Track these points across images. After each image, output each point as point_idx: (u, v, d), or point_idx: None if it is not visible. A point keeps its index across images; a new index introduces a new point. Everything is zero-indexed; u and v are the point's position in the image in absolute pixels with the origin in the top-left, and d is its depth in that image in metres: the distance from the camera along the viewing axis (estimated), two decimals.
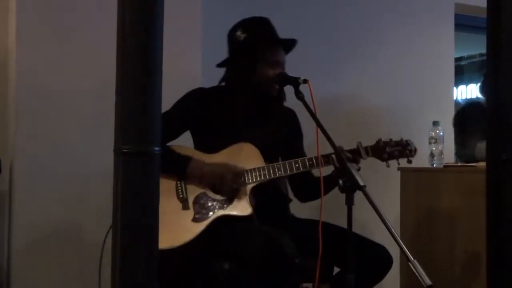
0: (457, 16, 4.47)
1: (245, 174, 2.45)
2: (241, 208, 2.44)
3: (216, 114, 2.58)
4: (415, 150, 2.54)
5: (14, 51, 2.96)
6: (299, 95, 2.34)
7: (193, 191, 2.45)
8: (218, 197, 2.45)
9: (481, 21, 4.36)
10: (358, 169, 2.27)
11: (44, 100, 2.97)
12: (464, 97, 8.26)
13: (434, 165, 3.12)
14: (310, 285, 2.42)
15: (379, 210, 1.91)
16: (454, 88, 5.10)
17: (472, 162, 3.18)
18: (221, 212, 2.43)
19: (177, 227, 2.37)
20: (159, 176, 1.65)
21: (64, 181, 2.98)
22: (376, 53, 4.05)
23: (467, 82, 8.16)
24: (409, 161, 2.54)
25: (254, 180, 2.45)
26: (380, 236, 2.26)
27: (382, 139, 2.53)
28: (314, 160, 2.45)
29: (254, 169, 2.46)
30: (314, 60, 3.67)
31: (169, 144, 2.50)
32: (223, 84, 2.65)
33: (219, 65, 2.63)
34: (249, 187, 2.46)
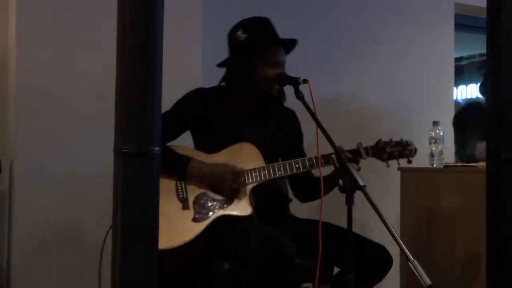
0: (457, 16, 4.47)
1: (245, 174, 2.45)
2: (241, 208, 2.44)
3: (216, 114, 2.58)
4: (415, 150, 2.54)
5: (14, 51, 2.96)
6: (299, 95, 2.34)
7: (193, 191, 2.45)
8: (218, 197, 2.45)
9: (481, 21, 4.36)
10: (358, 169, 2.27)
11: (44, 100, 2.97)
12: (464, 97, 8.26)
13: (434, 165, 3.11)
14: (310, 285, 2.42)
15: (379, 210, 1.91)
16: (454, 88, 5.10)
17: (472, 162, 3.18)
18: (221, 212, 2.43)
19: (177, 227, 2.37)
20: (159, 176, 1.65)
21: (64, 181, 2.98)
22: (376, 53, 4.06)
23: (467, 82, 8.16)
24: (409, 161, 2.54)
25: (254, 180, 2.45)
26: (380, 236, 2.26)
27: (382, 139, 2.53)
28: (314, 160, 2.45)
29: (254, 169, 2.46)
30: (314, 60, 3.67)
31: (169, 144, 2.50)
32: (223, 84, 2.65)
33: (219, 65, 2.63)
34: (249, 187, 2.46)
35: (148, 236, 1.62)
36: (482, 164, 2.66)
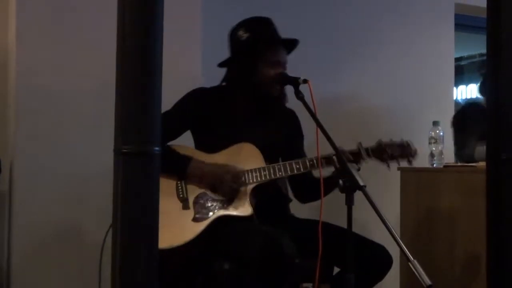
0: (457, 16, 4.47)
1: (246, 174, 2.45)
2: (241, 208, 2.44)
3: (216, 114, 2.58)
4: (416, 151, 2.54)
5: (14, 51, 2.96)
6: (299, 95, 2.34)
7: (193, 191, 2.45)
8: (219, 197, 2.45)
9: (481, 21, 4.36)
10: (358, 169, 2.28)
11: (44, 100, 2.97)
12: (464, 97, 8.26)
13: (434, 165, 3.11)
14: (310, 285, 2.42)
15: (379, 210, 1.91)
16: (454, 88, 5.10)
17: (472, 163, 3.18)
18: (221, 212, 2.43)
19: (177, 226, 2.37)
20: (159, 176, 1.65)
21: (64, 181, 2.98)
22: (376, 53, 4.06)
23: (467, 82, 8.16)
24: (410, 163, 2.54)
25: (254, 180, 2.45)
26: (380, 236, 2.26)
27: (383, 140, 2.52)
28: (314, 161, 2.45)
29: (255, 169, 2.46)
30: (314, 60, 3.67)
31: (169, 143, 2.50)
32: (224, 84, 2.64)
33: (221, 65, 2.62)
34: (249, 187, 2.46)
35: (148, 236, 1.62)
36: (482, 164, 2.66)
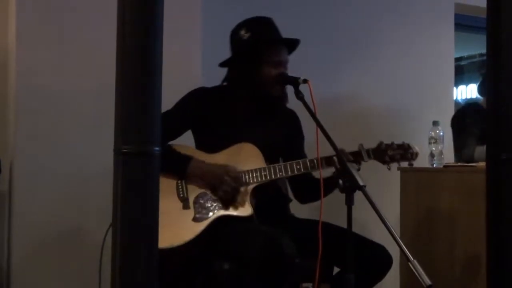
0: (457, 16, 4.48)
1: (246, 175, 2.45)
2: (241, 208, 2.44)
3: (217, 114, 2.57)
4: (417, 153, 2.54)
5: (14, 51, 2.96)
6: (299, 95, 2.34)
7: (193, 191, 2.45)
8: (219, 197, 2.45)
9: (481, 21, 4.37)
10: (358, 170, 2.28)
11: (44, 100, 2.97)
12: (464, 97, 8.27)
13: (434, 165, 3.12)
14: (310, 285, 2.42)
15: (379, 210, 1.92)
16: (454, 88, 5.10)
17: (471, 163, 3.18)
18: (222, 212, 2.43)
19: (177, 226, 2.37)
20: (159, 176, 1.65)
21: (64, 181, 2.98)
22: (376, 53, 4.05)
23: (467, 82, 8.17)
24: (411, 164, 2.54)
25: (255, 180, 2.45)
26: (380, 236, 2.26)
27: (384, 142, 2.52)
28: (315, 162, 2.45)
29: (255, 169, 2.46)
30: (314, 60, 3.67)
31: (170, 143, 2.50)
32: (225, 84, 2.64)
33: (222, 65, 2.62)
34: (250, 187, 2.46)
35: (148, 236, 1.62)
36: (482, 164, 2.66)
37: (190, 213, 2.41)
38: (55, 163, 2.97)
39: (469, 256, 2.95)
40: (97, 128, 2.91)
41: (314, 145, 2.31)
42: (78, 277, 2.95)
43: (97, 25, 3.00)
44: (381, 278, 2.44)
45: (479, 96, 3.88)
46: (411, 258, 1.81)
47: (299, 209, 2.73)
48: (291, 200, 2.73)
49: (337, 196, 2.15)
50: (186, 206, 2.42)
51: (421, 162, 2.93)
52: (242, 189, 2.45)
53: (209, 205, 2.43)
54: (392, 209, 3.12)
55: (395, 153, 2.51)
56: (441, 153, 3.11)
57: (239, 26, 2.61)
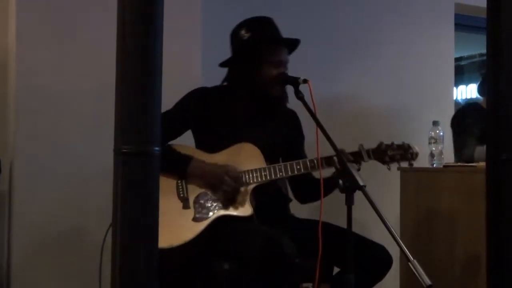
0: (457, 16, 4.48)
1: (246, 175, 2.45)
2: (241, 208, 2.44)
3: (217, 114, 2.57)
4: (417, 154, 2.53)
5: (14, 51, 2.96)
6: (299, 95, 2.35)
7: (193, 191, 2.45)
8: (219, 197, 2.45)
9: (481, 21, 4.36)
10: (358, 169, 2.28)
11: (44, 100, 2.97)
12: (464, 97, 8.27)
13: (434, 165, 3.11)
14: (310, 285, 2.42)
15: (379, 210, 1.92)
16: (454, 88, 5.10)
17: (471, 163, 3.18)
18: (222, 212, 2.43)
19: (177, 226, 2.37)
20: (159, 175, 1.65)
21: (64, 181, 2.98)
22: (376, 53, 4.05)
23: (467, 82, 8.17)
24: (411, 165, 2.54)
25: (255, 180, 2.45)
26: (380, 236, 2.26)
27: (384, 142, 2.52)
28: (315, 162, 2.45)
29: (255, 169, 2.46)
30: (314, 60, 3.67)
31: (170, 143, 2.50)
32: (225, 84, 2.64)
33: (222, 65, 2.62)
34: (250, 187, 2.46)
35: (148, 236, 1.62)
36: (482, 164, 2.66)
37: (190, 213, 2.41)
38: (55, 163, 2.97)
39: (469, 256, 2.95)
40: (97, 128, 2.91)
41: (314, 145, 2.31)
42: (78, 277, 2.95)
43: (97, 25, 3.00)
44: (381, 278, 2.44)
45: (479, 96, 3.88)
46: (411, 258, 1.81)
47: (299, 209, 2.73)
48: (291, 200, 2.73)
49: (337, 196, 2.15)
50: (186, 206, 2.42)
51: (421, 162, 2.93)
52: (242, 189, 2.45)
53: (209, 205, 2.43)
54: (392, 209, 3.12)
55: (395, 153, 2.51)
56: (441, 153, 3.11)
57: (240, 26, 2.61)
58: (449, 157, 3.44)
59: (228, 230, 2.39)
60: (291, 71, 2.56)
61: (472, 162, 3.22)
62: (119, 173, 1.61)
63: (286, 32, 2.62)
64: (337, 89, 3.91)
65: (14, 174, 2.94)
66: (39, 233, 2.94)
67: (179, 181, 2.46)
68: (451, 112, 4.00)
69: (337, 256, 2.31)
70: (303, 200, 2.73)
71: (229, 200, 2.44)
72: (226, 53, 2.62)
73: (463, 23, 4.69)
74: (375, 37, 4.06)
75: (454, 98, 4.99)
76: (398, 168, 2.97)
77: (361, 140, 2.55)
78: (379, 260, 2.43)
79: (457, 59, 5.97)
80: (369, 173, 2.35)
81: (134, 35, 1.61)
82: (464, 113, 3.62)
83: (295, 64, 2.62)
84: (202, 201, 2.44)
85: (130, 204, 1.60)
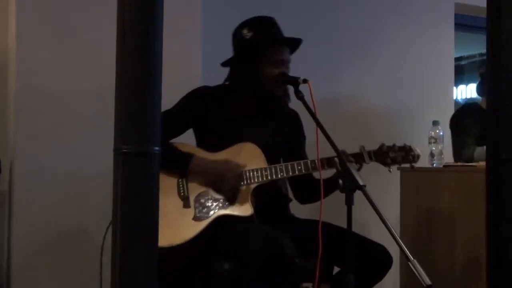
0: (457, 16, 4.48)
1: (247, 174, 2.45)
2: (242, 208, 2.44)
3: (218, 113, 2.57)
4: (418, 156, 2.53)
5: (14, 51, 2.96)
6: (299, 95, 2.34)
7: (194, 189, 2.45)
8: (220, 196, 2.45)
9: (481, 21, 4.36)
10: (358, 169, 2.28)
11: (44, 100, 2.97)
12: (464, 97, 8.27)
13: (434, 165, 3.11)
14: (310, 285, 2.42)
15: (379, 210, 1.91)
16: (454, 88, 5.10)
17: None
18: (222, 212, 2.43)
19: (178, 225, 2.37)
20: (159, 175, 1.65)
21: (64, 181, 2.98)
22: (376, 53, 4.05)
23: (467, 82, 8.17)
24: (412, 167, 2.54)
25: (256, 180, 2.45)
26: (380, 236, 2.26)
27: (385, 144, 2.51)
28: (316, 163, 2.44)
29: (257, 169, 2.46)
30: (314, 60, 3.67)
31: (171, 141, 2.50)
32: (227, 83, 2.64)
33: (224, 64, 2.62)
34: (251, 187, 2.45)
35: (148, 236, 1.62)
36: (482, 164, 2.66)
37: (191, 212, 2.41)
38: (55, 163, 2.97)
39: (469, 256, 2.95)
40: (97, 128, 2.91)
41: (314, 145, 2.31)
42: (78, 277, 2.95)
43: (97, 25, 3.00)
44: (381, 278, 2.44)
45: (478, 96, 3.88)
46: (411, 258, 1.81)
47: (299, 209, 2.73)
48: (291, 200, 2.73)
49: (337, 196, 2.14)
50: (186, 205, 2.42)
51: (421, 162, 2.93)
52: (243, 188, 2.45)
53: (209, 204, 2.43)
54: (392, 209, 3.12)
55: (396, 155, 2.50)
56: (441, 153, 3.11)
57: (242, 26, 2.61)
58: (449, 157, 3.44)
59: (228, 230, 2.39)
60: (292, 71, 2.56)
61: (471, 162, 3.22)
62: (119, 173, 1.61)
63: (286, 32, 2.62)
64: (337, 89, 3.91)
65: (14, 174, 2.94)
66: (39, 233, 2.94)
67: (180, 180, 2.46)
68: (451, 112, 4.00)
69: (337, 256, 2.31)
70: (303, 200, 2.73)
71: (230, 200, 2.44)
72: (226, 53, 2.62)
73: (463, 23, 4.69)
74: (375, 37, 4.06)
75: (454, 98, 4.99)
76: (398, 168, 2.97)
77: (361, 140, 2.55)
78: (379, 260, 2.42)
79: (457, 59, 5.97)
80: (369, 173, 2.35)
81: (134, 35, 1.61)
82: (463, 113, 3.61)
83: (295, 64, 2.62)
84: (202, 200, 2.43)
85: (130, 204, 1.60)
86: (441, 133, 3.11)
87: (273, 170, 2.46)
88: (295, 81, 2.40)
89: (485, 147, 2.05)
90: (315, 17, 3.83)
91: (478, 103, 3.67)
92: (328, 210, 2.24)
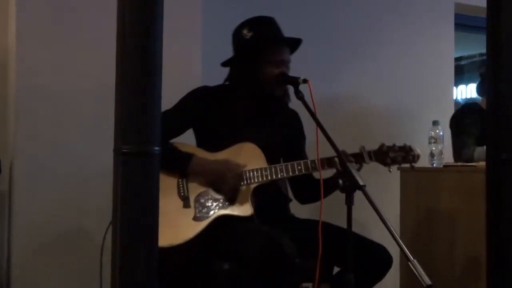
0: (457, 16, 4.48)
1: (247, 174, 2.45)
2: (242, 208, 2.44)
3: (218, 113, 2.57)
4: (418, 156, 2.53)
5: (14, 51, 2.96)
6: (298, 95, 2.34)
7: (194, 189, 2.45)
8: (220, 196, 2.45)
9: (481, 21, 4.36)
10: (358, 169, 2.28)
11: (44, 100, 2.97)
12: (464, 97, 8.27)
13: (434, 165, 3.11)
14: (310, 285, 2.42)
15: (379, 210, 1.91)
16: (454, 88, 5.10)
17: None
18: (222, 212, 2.43)
19: (178, 225, 2.37)
20: (159, 175, 1.65)
21: (64, 181, 2.98)
22: (376, 53, 4.05)
23: (467, 82, 8.17)
24: (412, 167, 2.54)
25: (256, 180, 2.45)
26: (380, 236, 2.26)
27: (385, 144, 2.51)
28: (316, 163, 2.44)
29: (256, 169, 2.46)
30: (314, 60, 3.67)
31: (171, 141, 2.50)
32: (227, 83, 2.64)
33: (224, 64, 2.62)
34: (251, 187, 2.45)
35: (148, 236, 1.62)
36: (482, 163, 2.66)
37: (191, 212, 2.41)
38: (55, 163, 2.97)
39: (469, 256, 2.95)
40: (97, 128, 2.91)
41: (314, 145, 2.31)
42: (78, 277, 2.95)
43: (97, 25, 3.00)
44: (381, 278, 2.44)
45: (478, 96, 3.88)
46: (411, 257, 1.81)
47: (299, 209, 2.73)
48: (291, 200, 2.73)
49: (337, 196, 2.14)
50: (186, 205, 2.42)
51: (421, 162, 2.93)
52: (243, 188, 2.45)
53: (209, 204, 2.43)
54: (392, 209, 3.12)
55: (396, 155, 2.50)
56: (441, 153, 3.11)
57: (242, 26, 2.61)
58: (449, 157, 3.44)
59: (228, 230, 2.39)
60: (292, 71, 2.56)
61: (471, 162, 3.22)
62: (119, 173, 1.61)
63: (286, 32, 2.62)
64: (337, 89, 3.91)
65: (14, 174, 2.94)
66: (39, 233, 2.94)
67: (180, 180, 2.46)
68: (451, 112, 4.01)
69: (337, 256, 2.31)
70: (303, 200, 2.73)
71: (230, 199, 2.44)
72: (226, 53, 2.62)
73: (463, 23, 4.69)
74: (375, 37, 4.06)
75: (454, 98, 4.99)
76: (398, 168, 2.97)
77: (361, 140, 2.55)
78: (379, 260, 2.42)
79: (457, 59, 5.97)
80: (369, 173, 2.35)
81: (134, 35, 1.61)
82: (463, 113, 3.62)
83: (295, 64, 2.62)
84: (202, 200, 2.43)
85: (130, 204, 1.60)
86: (441, 133, 3.11)
87: (273, 170, 2.46)
88: (295, 81, 2.40)
89: (485, 147, 2.05)
90: (315, 17, 3.83)
91: (478, 103, 3.67)
92: (328, 210, 2.24)
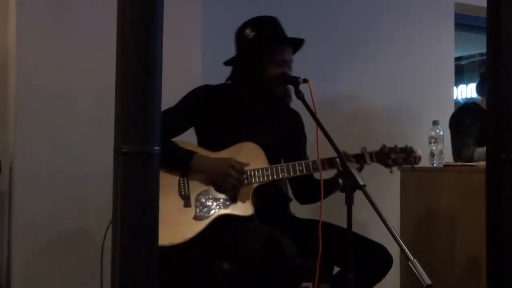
0: (457, 16, 4.48)
1: (249, 174, 2.45)
2: (242, 208, 2.43)
3: (219, 112, 2.57)
4: (420, 157, 2.53)
5: (14, 51, 2.96)
6: (299, 95, 2.34)
7: (195, 188, 2.45)
8: (220, 195, 2.45)
9: (481, 21, 4.37)
10: (358, 169, 2.27)
11: (44, 100, 2.97)
12: (464, 97, 8.27)
13: (434, 164, 3.11)
14: (310, 285, 2.42)
15: (379, 210, 1.91)
16: (454, 88, 5.10)
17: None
18: (223, 211, 2.43)
19: (178, 224, 2.36)
20: (160, 173, 1.65)
21: (64, 181, 2.98)
22: (376, 53, 4.05)
23: (467, 81, 8.18)
24: (413, 168, 2.54)
25: (257, 180, 2.45)
26: (380, 236, 2.26)
27: (387, 145, 2.51)
28: (317, 163, 2.44)
29: (258, 169, 2.46)
30: (314, 60, 3.67)
31: (172, 140, 2.50)
32: (229, 82, 2.64)
33: (226, 63, 2.62)
34: (252, 187, 2.45)
35: (148, 236, 1.62)
36: (482, 163, 2.66)
37: (191, 211, 2.41)
38: (55, 163, 2.97)
39: (469, 256, 2.95)
40: (97, 128, 2.91)
41: (314, 145, 2.31)
42: (78, 277, 2.95)
43: (97, 25, 3.00)
44: (381, 278, 2.44)
45: (478, 96, 3.88)
46: (411, 257, 1.81)
47: (299, 209, 2.73)
48: (291, 200, 2.73)
49: (337, 196, 2.14)
50: (187, 204, 2.42)
51: (421, 161, 2.93)
52: (244, 188, 2.44)
53: (210, 203, 2.43)
54: (392, 209, 3.12)
55: (398, 156, 2.50)
56: (441, 152, 3.11)
57: (245, 25, 2.60)
58: (449, 156, 3.44)
59: (228, 230, 2.39)
60: (292, 71, 2.56)
61: (471, 162, 3.22)
62: (119, 173, 1.61)
63: (286, 32, 2.62)
64: (337, 89, 3.91)
65: (14, 174, 2.94)
66: (39, 233, 2.94)
67: (181, 179, 2.46)
68: (451, 111, 4.00)
69: (337, 256, 2.31)
70: (303, 200, 2.73)
71: (230, 199, 2.44)
72: (226, 53, 2.62)
73: (463, 23, 4.69)
74: (375, 37, 4.06)
75: (454, 97, 4.99)
76: (398, 168, 2.96)
77: (361, 140, 2.55)
78: (379, 260, 2.42)
79: (457, 59, 5.97)
80: (369, 173, 2.35)
81: (134, 35, 1.61)
82: (463, 113, 3.61)
83: (295, 64, 2.62)
84: (203, 200, 2.43)
85: (130, 204, 1.61)
86: (441, 133, 3.11)
87: (274, 170, 2.46)
88: (295, 81, 2.40)
89: (485, 147, 2.05)
90: (315, 17, 3.83)
91: (478, 103, 3.67)
92: (328, 210, 2.24)
